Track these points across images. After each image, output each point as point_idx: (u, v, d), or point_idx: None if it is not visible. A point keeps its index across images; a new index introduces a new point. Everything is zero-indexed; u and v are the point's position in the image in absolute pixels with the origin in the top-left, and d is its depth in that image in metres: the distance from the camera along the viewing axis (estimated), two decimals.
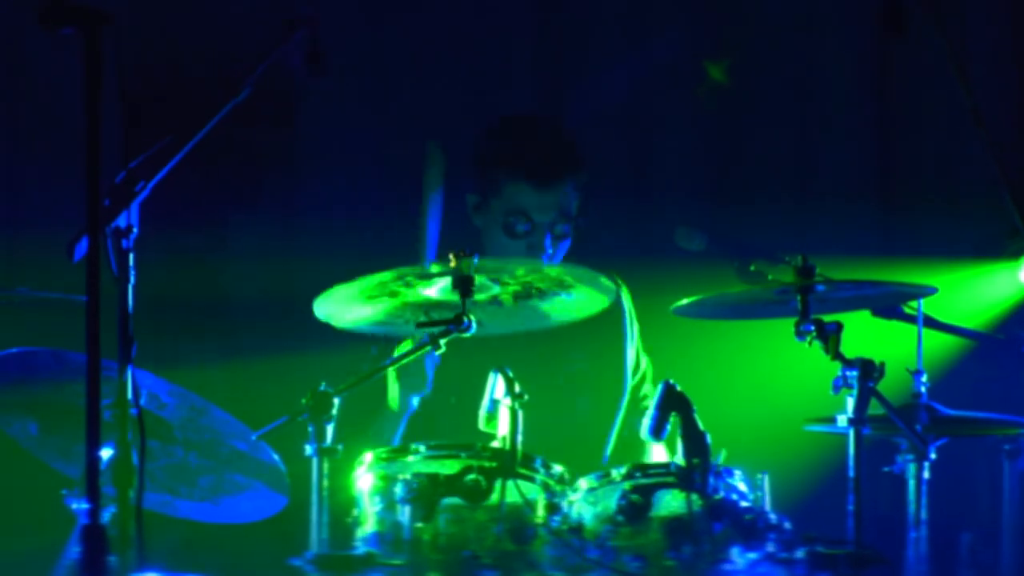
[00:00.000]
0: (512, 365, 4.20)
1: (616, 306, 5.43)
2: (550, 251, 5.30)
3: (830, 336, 4.26)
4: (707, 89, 6.27)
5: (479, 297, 4.32)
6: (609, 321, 5.39)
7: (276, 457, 4.58)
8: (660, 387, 4.21)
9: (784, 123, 6.48)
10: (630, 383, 5.47)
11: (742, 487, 4.18)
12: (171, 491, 4.68)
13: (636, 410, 5.44)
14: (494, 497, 4.09)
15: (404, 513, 4.09)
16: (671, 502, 4.12)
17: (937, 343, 5.70)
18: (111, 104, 3.65)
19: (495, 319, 4.44)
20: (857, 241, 6.29)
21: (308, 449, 4.18)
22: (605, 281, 4.50)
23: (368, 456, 4.22)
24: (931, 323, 5.29)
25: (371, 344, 5.15)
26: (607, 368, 5.44)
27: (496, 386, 4.18)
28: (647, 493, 4.10)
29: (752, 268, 5.00)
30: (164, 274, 5.78)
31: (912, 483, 4.80)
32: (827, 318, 4.30)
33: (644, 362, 5.51)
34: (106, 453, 3.77)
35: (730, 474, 4.16)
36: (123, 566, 3.63)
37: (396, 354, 4.91)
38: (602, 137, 6.27)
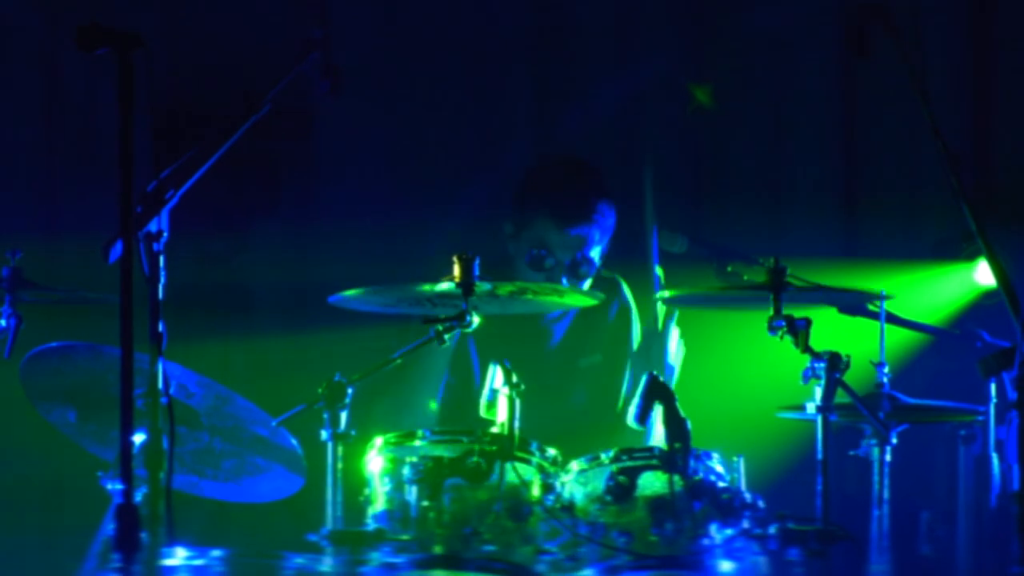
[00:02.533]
0: (517, 359, 4.21)
1: (624, 307, 5.43)
2: (565, 283, 5.24)
3: (800, 331, 4.26)
4: (694, 110, 6.27)
5: (477, 289, 4.31)
6: (619, 322, 5.40)
7: (294, 442, 4.58)
8: (644, 378, 4.21)
9: (758, 136, 6.47)
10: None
11: (719, 469, 4.19)
12: (198, 473, 4.68)
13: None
14: (494, 478, 4.09)
15: (411, 493, 4.10)
16: (655, 483, 4.12)
17: (898, 338, 5.70)
18: (142, 119, 3.65)
19: (490, 305, 4.44)
20: (825, 244, 6.28)
21: (324, 434, 4.19)
22: (592, 296, 4.54)
23: (378, 440, 4.23)
24: (893, 319, 5.29)
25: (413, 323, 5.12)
26: (614, 363, 5.42)
27: (495, 377, 4.19)
28: (633, 475, 4.10)
29: (729, 269, 5.00)
30: (191, 275, 5.78)
31: (875, 465, 4.79)
32: (797, 314, 4.30)
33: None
34: (138, 438, 3.77)
35: (708, 457, 4.17)
36: (154, 542, 3.62)
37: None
38: (591, 148, 6.26)
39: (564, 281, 5.22)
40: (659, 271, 5.33)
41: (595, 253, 5.24)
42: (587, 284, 5.25)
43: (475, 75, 6.36)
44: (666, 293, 4.81)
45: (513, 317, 5.01)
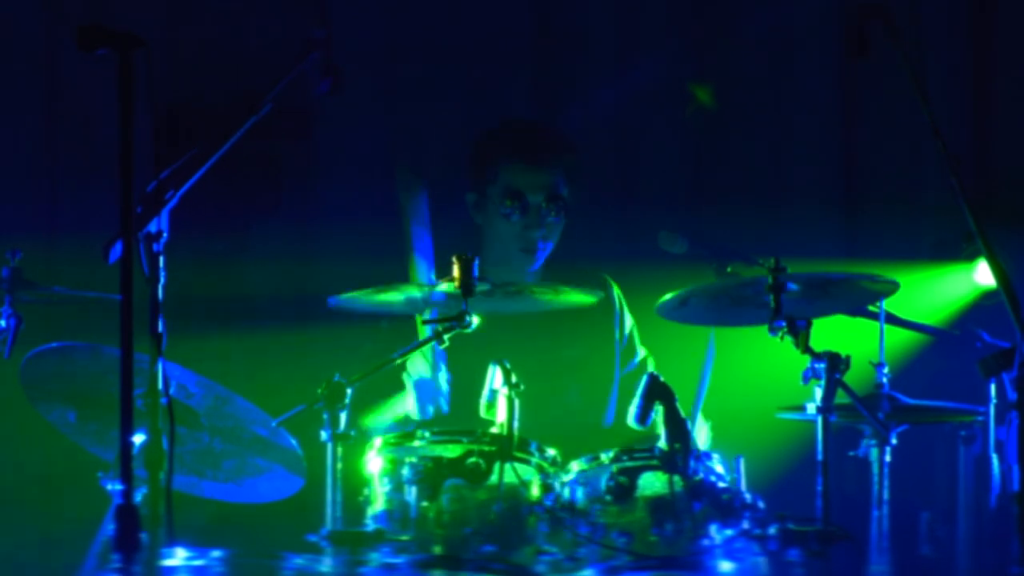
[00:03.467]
0: (511, 355, 4.21)
1: (608, 301, 5.42)
2: (543, 232, 5.26)
3: (800, 332, 4.26)
4: (694, 111, 6.27)
5: (476, 288, 4.31)
6: (601, 315, 5.39)
7: (294, 442, 4.58)
8: (645, 378, 4.22)
9: (758, 136, 6.47)
10: (623, 372, 5.44)
11: (719, 469, 4.19)
12: (198, 473, 4.68)
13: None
14: (493, 478, 4.10)
15: (411, 493, 4.10)
16: (655, 483, 4.12)
17: (898, 338, 5.70)
18: (143, 119, 3.65)
19: (489, 303, 4.44)
20: (825, 244, 6.28)
21: (323, 435, 4.19)
22: (594, 295, 4.53)
23: (378, 441, 4.23)
24: (892, 320, 5.29)
25: (381, 320, 5.14)
26: (598, 356, 5.42)
27: (495, 377, 4.19)
28: (633, 475, 4.11)
29: (729, 269, 4.99)
30: (191, 275, 5.77)
31: (875, 466, 4.79)
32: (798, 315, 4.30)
33: (642, 352, 5.48)
34: (138, 439, 3.77)
35: (708, 457, 4.17)
36: (154, 542, 3.62)
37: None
38: (591, 148, 6.26)
39: (542, 228, 5.20)
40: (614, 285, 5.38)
41: (564, 194, 5.23)
42: (559, 231, 5.23)
43: (475, 75, 6.36)
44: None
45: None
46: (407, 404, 5.01)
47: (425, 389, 4.97)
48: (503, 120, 5.46)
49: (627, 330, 5.47)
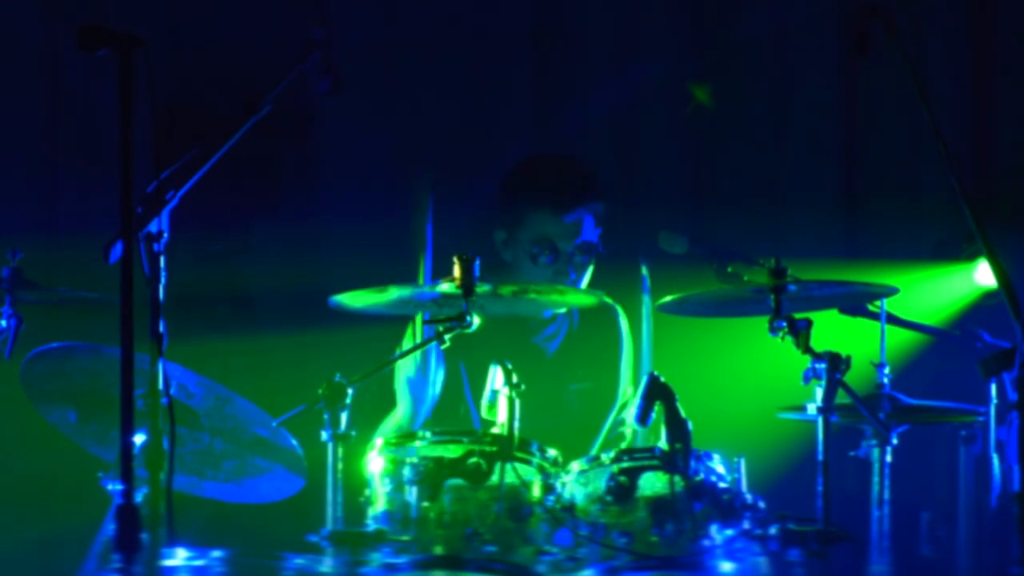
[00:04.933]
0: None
1: (614, 327, 5.42)
2: (573, 277, 5.26)
3: (801, 332, 4.26)
4: (694, 110, 6.27)
5: (479, 290, 4.31)
6: (608, 343, 5.40)
7: (294, 442, 4.58)
8: (646, 378, 4.21)
9: (759, 136, 6.47)
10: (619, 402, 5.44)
11: (720, 469, 4.18)
12: (198, 474, 4.68)
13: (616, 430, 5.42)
14: (494, 479, 4.09)
15: (412, 493, 4.10)
16: (655, 483, 4.12)
17: (899, 338, 5.70)
18: (143, 119, 3.65)
19: (493, 305, 4.44)
20: (826, 244, 6.29)
21: (324, 435, 4.18)
22: (595, 297, 4.53)
23: (379, 441, 4.23)
24: (893, 320, 5.29)
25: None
26: (604, 386, 5.41)
27: (496, 378, 4.19)
28: (633, 475, 4.11)
29: (729, 269, 4.99)
30: (192, 275, 5.78)
31: (876, 466, 4.79)
32: (798, 315, 4.30)
33: (629, 391, 5.47)
34: (139, 439, 3.77)
35: (709, 457, 4.17)
36: (154, 542, 3.62)
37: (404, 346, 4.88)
38: (591, 149, 6.26)
39: (572, 272, 5.21)
40: (644, 271, 5.36)
41: (592, 236, 5.24)
42: (589, 272, 5.25)
43: (475, 75, 6.37)
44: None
45: (505, 333, 5.02)
46: (398, 414, 5.03)
47: (418, 389, 4.98)
48: (531, 159, 5.41)
49: (630, 360, 5.45)
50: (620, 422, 5.38)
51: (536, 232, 5.24)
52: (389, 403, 5.28)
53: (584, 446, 5.22)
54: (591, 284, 5.30)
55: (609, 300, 5.41)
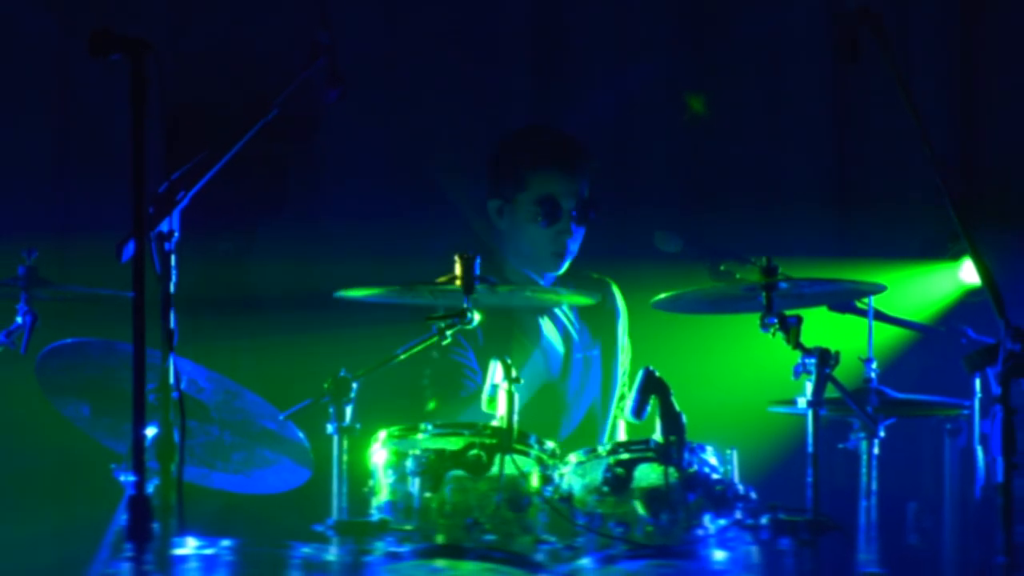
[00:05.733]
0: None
1: (611, 308, 5.43)
2: (575, 236, 5.25)
3: (791, 328, 4.26)
4: (690, 119, 6.28)
5: (477, 286, 4.32)
6: (607, 313, 5.41)
7: (301, 435, 4.58)
8: (641, 373, 4.22)
9: (752, 138, 6.48)
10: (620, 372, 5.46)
11: (713, 461, 4.19)
12: (208, 465, 4.68)
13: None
14: (494, 470, 4.10)
15: (414, 484, 4.11)
16: (650, 474, 4.13)
17: (886, 335, 5.71)
18: (154, 122, 3.65)
19: (490, 299, 4.44)
20: (816, 243, 6.29)
21: (329, 428, 4.19)
22: (592, 296, 4.54)
23: (382, 434, 4.24)
24: (881, 317, 5.30)
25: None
26: (607, 354, 5.43)
27: (496, 372, 4.19)
28: (629, 466, 4.11)
29: (722, 268, 5.00)
30: (202, 273, 5.78)
31: (864, 458, 4.80)
32: (789, 312, 4.31)
33: (629, 350, 5.49)
34: (150, 432, 3.78)
35: (702, 450, 4.18)
36: (165, 532, 3.63)
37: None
38: (589, 150, 6.27)
39: (572, 235, 5.19)
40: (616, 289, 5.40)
41: (587, 196, 5.25)
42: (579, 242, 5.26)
43: (476, 76, 6.37)
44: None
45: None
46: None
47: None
48: (524, 128, 5.41)
49: (626, 333, 5.46)
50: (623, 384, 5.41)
51: (539, 192, 5.20)
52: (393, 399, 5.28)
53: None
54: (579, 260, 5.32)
55: (597, 275, 5.42)
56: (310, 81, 4.18)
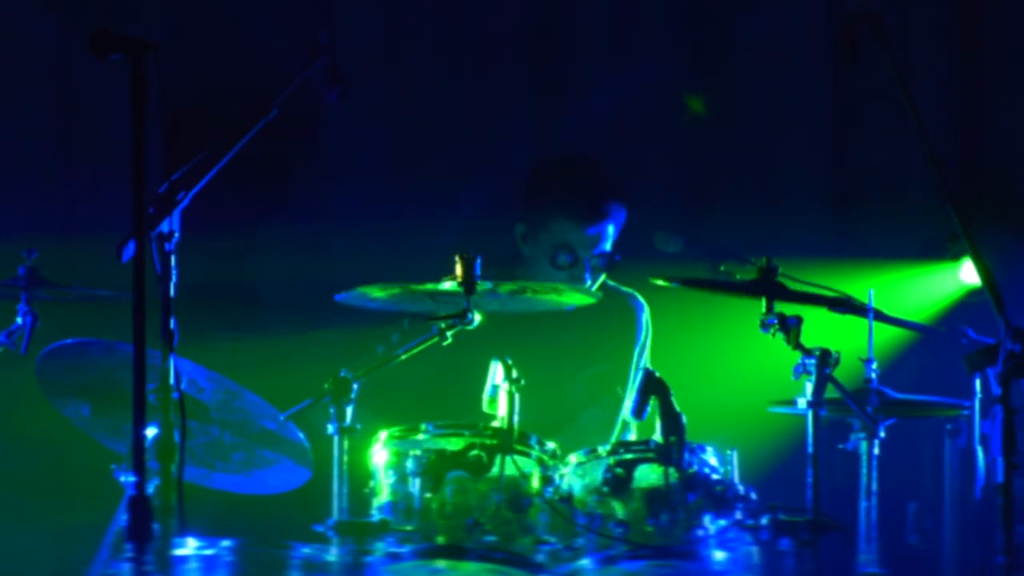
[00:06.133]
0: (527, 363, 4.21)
1: (633, 317, 5.41)
2: (589, 280, 5.25)
3: (791, 328, 4.26)
4: (690, 120, 6.28)
5: (479, 287, 4.31)
6: (626, 329, 5.40)
7: (301, 435, 4.58)
8: (641, 373, 4.22)
9: (751, 138, 6.48)
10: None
11: (713, 462, 4.19)
12: (208, 466, 4.68)
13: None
14: (494, 471, 4.10)
15: (415, 485, 4.10)
16: (650, 475, 4.13)
17: (886, 335, 5.71)
18: (154, 122, 3.65)
19: (491, 304, 4.44)
20: (816, 243, 6.29)
21: (330, 428, 4.19)
22: (590, 295, 4.53)
23: (383, 434, 4.23)
24: (881, 317, 5.29)
25: (403, 319, 5.13)
26: (622, 370, 5.41)
27: (497, 373, 4.19)
28: (629, 467, 4.11)
29: (722, 268, 5.00)
30: (202, 274, 5.78)
31: (864, 459, 4.80)
32: (789, 312, 4.31)
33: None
34: (151, 432, 3.77)
35: (702, 450, 4.17)
36: (165, 532, 3.63)
37: None
38: (589, 151, 6.26)
39: (588, 277, 5.20)
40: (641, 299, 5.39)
41: (609, 244, 5.24)
42: (602, 277, 5.25)
43: (476, 77, 6.37)
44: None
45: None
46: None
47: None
48: (559, 160, 5.35)
49: (647, 347, 5.44)
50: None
51: (558, 238, 5.20)
52: (395, 399, 5.27)
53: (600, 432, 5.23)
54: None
55: (628, 289, 5.41)
56: (310, 81, 4.18)
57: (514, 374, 4.15)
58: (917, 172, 6.33)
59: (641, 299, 5.42)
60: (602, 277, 5.27)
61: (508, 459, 4.09)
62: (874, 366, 4.87)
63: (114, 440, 4.61)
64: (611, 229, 5.23)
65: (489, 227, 5.41)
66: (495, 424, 4.15)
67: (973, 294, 5.92)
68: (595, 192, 5.22)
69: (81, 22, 6.04)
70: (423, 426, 4.22)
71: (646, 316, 5.42)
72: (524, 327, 5.01)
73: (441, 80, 6.34)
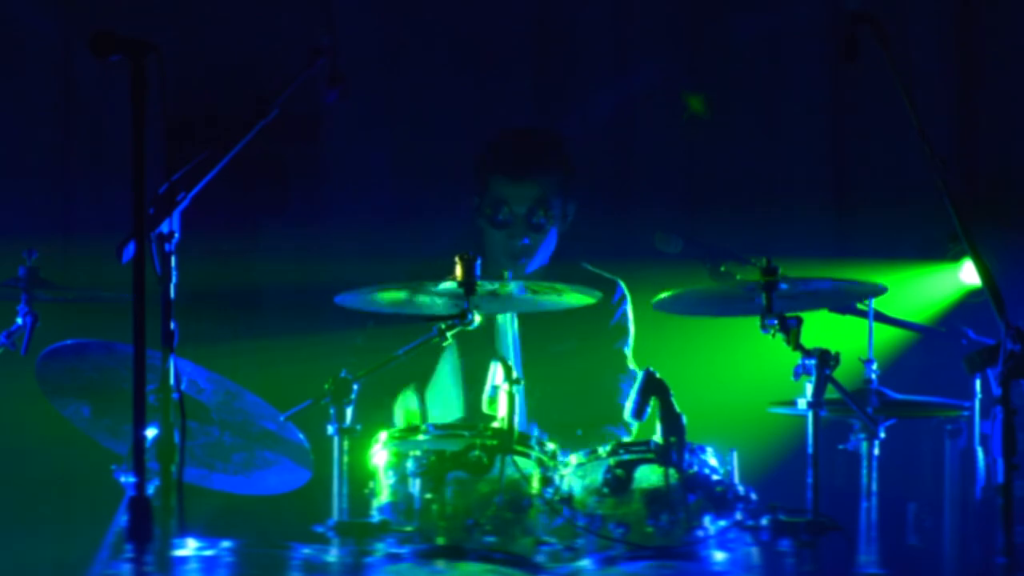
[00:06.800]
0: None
1: (607, 306, 5.40)
2: (527, 242, 5.27)
3: (791, 329, 4.26)
4: (689, 119, 6.28)
5: (479, 290, 4.31)
6: (599, 311, 5.37)
7: (301, 436, 4.58)
8: (641, 374, 4.22)
9: (751, 139, 6.47)
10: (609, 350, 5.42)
11: (713, 462, 4.19)
12: (208, 466, 4.68)
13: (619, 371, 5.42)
14: (494, 471, 4.10)
15: (415, 485, 4.10)
16: (650, 476, 4.12)
17: (886, 335, 5.70)
18: (155, 123, 3.65)
19: (491, 305, 4.44)
20: (815, 244, 6.28)
21: (330, 429, 4.19)
22: (592, 294, 4.52)
23: (383, 435, 4.23)
24: (881, 318, 5.29)
25: (368, 320, 5.15)
26: (589, 348, 5.40)
27: (496, 373, 4.19)
28: (629, 468, 4.11)
29: (722, 269, 5.00)
30: (202, 274, 5.78)
31: (864, 459, 4.79)
32: (789, 313, 4.30)
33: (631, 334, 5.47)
34: (151, 433, 3.77)
35: (702, 451, 4.17)
36: (165, 532, 3.62)
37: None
38: (590, 152, 6.27)
39: (525, 238, 5.21)
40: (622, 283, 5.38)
41: (553, 211, 5.25)
42: (547, 244, 5.25)
43: (476, 78, 6.36)
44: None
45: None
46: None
47: (439, 401, 5.01)
48: (503, 129, 5.48)
49: (628, 333, 5.43)
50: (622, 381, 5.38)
51: (494, 195, 5.27)
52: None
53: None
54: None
55: (617, 279, 5.41)
56: (310, 81, 4.18)
57: (514, 374, 4.15)
58: (917, 172, 6.32)
59: (625, 289, 5.41)
60: (550, 244, 5.22)
61: (508, 460, 4.09)
62: (874, 367, 4.87)
63: (114, 441, 4.61)
64: (551, 190, 5.25)
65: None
66: (495, 425, 4.14)
67: (973, 294, 5.92)
68: (529, 148, 5.32)
69: (82, 23, 6.04)
70: (423, 427, 4.22)
71: (628, 307, 5.40)
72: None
73: (441, 81, 6.34)
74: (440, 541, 4.06)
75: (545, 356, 5.26)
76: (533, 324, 5.18)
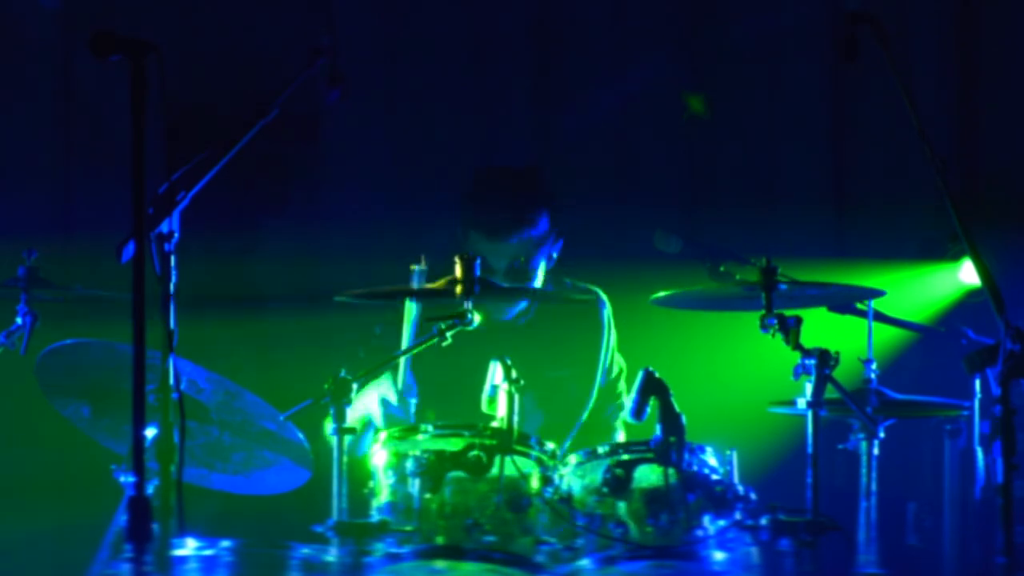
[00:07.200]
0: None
1: (596, 322, 5.37)
2: (509, 283, 5.17)
3: (791, 329, 4.26)
4: (689, 118, 6.28)
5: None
6: (589, 332, 5.36)
7: (301, 435, 4.58)
8: (641, 374, 4.22)
9: (751, 139, 6.47)
10: (606, 381, 5.39)
11: (713, 462, 4.19)
12: (208, 466, 4.68)
13: (610, 402, 5.39)
14: (494, 471, 4.10)
15: (414, 485, 4.10)
16: (650, 475, 4.13)
17: (886, 335, 5.70)
18: (155, 122, 3.65)
19: (492, 302, 4.42)
20: (815, 244, 6.29)
21: (329, 429, 4.18)
22: (583, 298, 4.50)
23: (383, 435, 4.23)
24: (880, 317, 5.29)
25: (375, 324, 5.13)
26: (583, 374, 5.37)
27: (496, 373, 4.19)
28: (629, 467, 4.11)
29: (722, 268, 5.00)
30: (202, 273, 5.77)
31: (863, 459, 4.79)
32: (789, 312, 4.30)
33: (620, 362, 5.44)
34: (150, 432, 3.77)
35: (702, 450, 4.17)
36: (165, 532, 3.62)
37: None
38: (589, 151, 6.27)
39: (506, 284, 5.13)
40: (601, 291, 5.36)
41: (536, 260, 5.15)
42: (538, 272, 5.19)
43: (476, 78, 6.37)
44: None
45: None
46: (371, 406, 4.99)
47: (391, 411, 4.98)
48: (478, 177, 5.27)
49: (612, 345, 5.41)
50: (612, 412, 5.37)
51: (474, 246, 5.10)
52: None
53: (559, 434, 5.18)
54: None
55: (596, 288, 5.38)
56: (310, 81, 4.18)
57: (513, 374, 4.15)
58: (917, 172, 6.33)
59: (603, 296, 5.39)
60: (539, 270, 5.19)
61: (508, 460, 4.09)
62: (874, 366, 4.87)
63: (114, 440, 4.61)
64: (530, 244, 5.11)
65: None
66: (494, 424, 4.14)
67: (973, 294, 5.92)
68: (499, 209, 5.12)
69: (82, 23, 6.04)
70: (423, 427, 4.22)
71: (608, 313, 5.37)
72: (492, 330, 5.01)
73: (441, 80, 6.34)
74: (439, 541, 4.06)
75: (541, 381, 5.24)
76: (529, 348, 5.17)
